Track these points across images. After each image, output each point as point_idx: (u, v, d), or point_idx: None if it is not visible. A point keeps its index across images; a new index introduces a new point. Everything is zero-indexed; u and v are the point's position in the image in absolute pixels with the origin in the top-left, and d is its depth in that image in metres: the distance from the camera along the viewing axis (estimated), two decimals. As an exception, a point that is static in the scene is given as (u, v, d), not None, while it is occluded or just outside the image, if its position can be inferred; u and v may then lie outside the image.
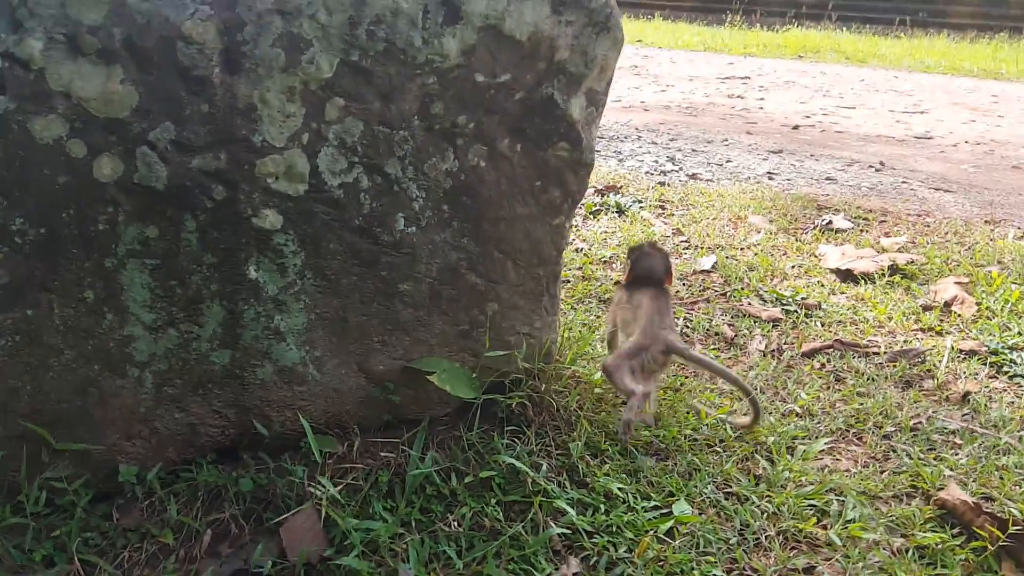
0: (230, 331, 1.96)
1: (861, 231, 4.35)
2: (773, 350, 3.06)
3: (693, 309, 3.32)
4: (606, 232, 4.21)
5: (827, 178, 5.55)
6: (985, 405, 2.66)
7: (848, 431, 2.51)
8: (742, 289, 3.56)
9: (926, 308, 3.39)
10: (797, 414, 2.59)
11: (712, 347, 3.08)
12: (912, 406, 2.68)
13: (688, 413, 2.52)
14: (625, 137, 6.66)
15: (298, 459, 2.08)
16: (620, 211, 4.61)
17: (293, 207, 1.88)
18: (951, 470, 2.30)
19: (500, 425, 2.22)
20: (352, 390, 2.13)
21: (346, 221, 1.94)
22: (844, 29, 16.65)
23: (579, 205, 2.03)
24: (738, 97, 9.24)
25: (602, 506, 2.01)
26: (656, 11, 19.60)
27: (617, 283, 2.75)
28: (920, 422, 2.57)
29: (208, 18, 1.69)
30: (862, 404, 2.65)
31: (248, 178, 1.81)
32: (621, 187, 5.00)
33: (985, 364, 2.95)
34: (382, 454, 2.08)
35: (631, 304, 2.34)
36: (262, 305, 1.95)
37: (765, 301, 3.44)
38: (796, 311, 3.24)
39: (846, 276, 3.68)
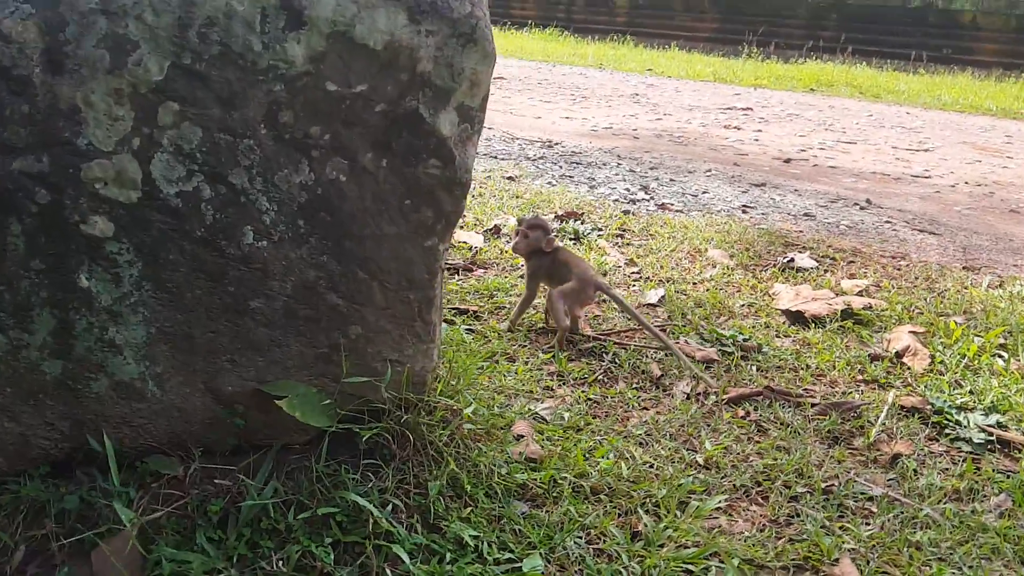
0: (62, 341, 1.89)
1: (824, 271, 4.25)
2: (699, 394, 2.95)
3: (625, 344, 3.22)
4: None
5: (805, 214, 5.46)
6: (915, 471, 2.55)
7: (754, 489, 2.40)
8: (683, 327, 3.47)
9: (874, 358, 3.29)
10: (702, 465, 2.48)
11: (634, 386, 2.98)
12: (833, 465, 2.57)
13: (579, 456, 2.42)
14: (603, 164, 6.61)
15: (133, 479, 2.00)
16: (577, 238, 4.54)
17: (126, 215, 1.81)
18: (855, 542, 2.17)
19: (359, 458, 2.12)
20: (198, 410, 2.05)
21: (187, 232, 1.87)
22: (864, 63, 16.61)
23: (454, 228, 1.95)
24: (735, 128, 9.19)
25: (448, 554, 1.91)
26: (672, 41, 19.66)
27: (537, 253, 3.29)
28: (836, 484, 2.46)
29: (28, 17, 1.64)
30: (777, 459, 2.53)
31: (74, 182, 1.75)
32: (583, 214, 4.93)
33: (926, 424, 2.83)
34: (218, 481, 1.99)
35: (556, 263, 3.24)
36: (95, 315, 1.88)
37: (705, 341, 3.33)
38: (733, 353, 3.11)
39: (796, 318, 3.58)
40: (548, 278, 3.26)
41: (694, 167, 6.91)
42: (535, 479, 2.28)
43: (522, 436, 2.51)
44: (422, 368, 2.22)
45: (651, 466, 2.48)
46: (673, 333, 3.45)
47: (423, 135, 1.99)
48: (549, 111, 9.67)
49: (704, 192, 5.97)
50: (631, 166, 6.72)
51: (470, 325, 3.34)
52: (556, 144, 7.43)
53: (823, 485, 2.45)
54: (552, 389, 2.89)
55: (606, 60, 16.03)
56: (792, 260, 4.28)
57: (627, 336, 3.39)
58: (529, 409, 2.71)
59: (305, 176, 1.93)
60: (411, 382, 2.21)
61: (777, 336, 3.48)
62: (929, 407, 2.92)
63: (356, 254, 2.04)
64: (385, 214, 2.03)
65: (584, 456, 2.47)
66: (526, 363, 3.05)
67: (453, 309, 3.42)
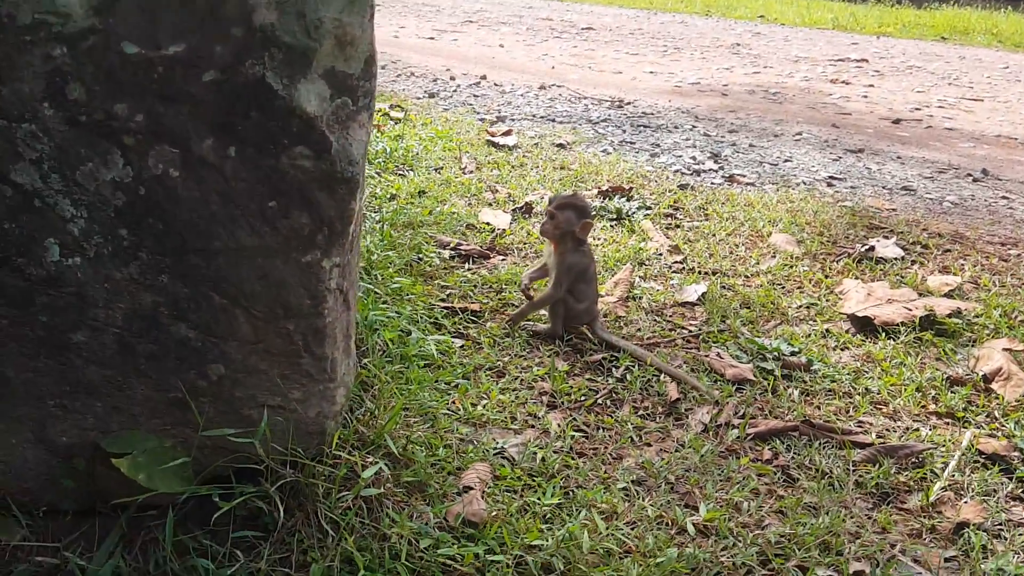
0: None
1: (911, 263, 3.52)
2: (719, 425, 2.36)
3: (646, 354, 2.69)
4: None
5: (904, 187, 4.65)
6: (985, 547, 1.88)
7: (758, 570, 1.80)
8: (719, 333, 2.87)
9: (954, 382, 2.59)
10: (697, 532, 1.90)
11: (641, 413, 2.42)
12: (874, 534, 1.93)
13: (534, 519, 1.88)
14: (675, 127, 5.92)
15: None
16: (618, 218, 3.95)
17: None
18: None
19: (232, 526, 1.65)
20: (31, 465, 1.65)
21: (-33, 247, 1.42)
22: (1008, 8, 14.84)
23: (346, 238, 1.43)
24: (843, 83, 8.24)
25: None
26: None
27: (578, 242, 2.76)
28: (871, 568, 1.82)
29: None
30: (800, 525, 1.92)
31: None
32: (633, 188, 4.32)
33: (1010, 477, 2.15)
34: (41, 558, 1.56)
35: (579, 266, 2.76)
36: None
37: (742, 353, 2.72)
38: (774, 371, 2.49)
39: (863, 325, 2.92)
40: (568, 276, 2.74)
41: (782, 129, 6.14)
42: (466, 554, 1.75)
43: (470, 488, 1.98)
44: (318, 414, 1.74)
45: (630, 530, 1.90)
46: (706, 342, 2.84)
47: (279, 114, 1.47)
48: (632, 65, 8.95)
49: (786, 160, 5.25)
50: (707, 129, 6.01)
51: (464, 328, 2.85)
52: (627, 104, 6.78)
53: (853, 569, 1.82)
54: (536, 416, 2.37)
55: (714, 6, 14.97)
56: (872, 248, 3.57)
57: (650, 345, 2.85)
58: (496, 446, 2.18)
59: (119, 171, 1.46)
60: (301, 432, 1.72)
61: (835, 348, 2.84)
62: (1017, 455, 2.23)
63: (207, 273, 1.56)
64: (241, 220, 1.54)
65: (543, 518, 1.92)
66: (516, 378, 2.56)
67: (447, 308, 2.92)
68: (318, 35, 1.44)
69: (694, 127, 6.07)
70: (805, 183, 4.79)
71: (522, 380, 2.58)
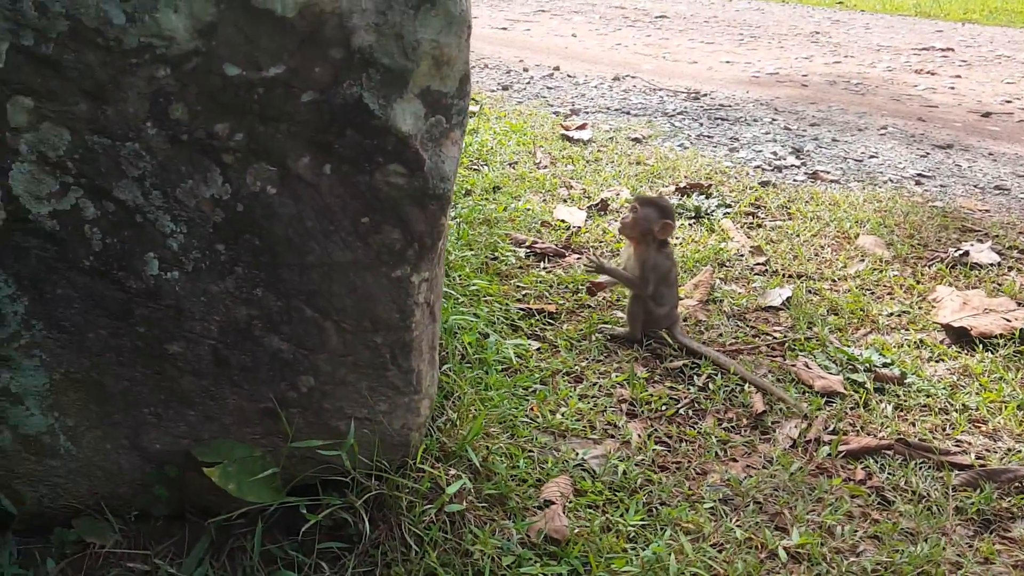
0: (-47, 388, 1.55)
1: (1008, 269, 3.37)
2: (808, 441, 2.29)
3: (729, 360, 2.65)
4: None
5: (997, 187, 4.45)
6: (1098, 581, 1.79)
7: (855, 597, 1.74)
8: (806, 341, 2.80)
9: (1059, 400, 2.46)
10: (788, 557, 1.85)
11: (726, 425, 2.37)
12: (977, 565, 1.85)
13: (619, 536, 1.86)
14: (754, 120, 5.77)
15: (52, 547, 1.65)
16: (697, 216, 3.88)
17: (-8, 240, 1.42)
18: None
19: (318, 537, 1.67)
20: (124, 470, 1.68)
21: (72, 260, 1.47)
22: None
23: (435, 253, 1.43)
24: (928, 73, 7.92)
25: None
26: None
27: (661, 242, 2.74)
28: (976, 597, 1.75)
29: None
30: (899, 552, 1.85)
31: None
32: (712, 185, 4.23)
33: (1126, 505, 2.03)
34: (132, 565, 1.59)
35: (668, 259, 2.74)
36: (-19, 360, 1.51)
37: (831, 363, 2.65)
38: (865, 384, 2.42)
39: (959, 336, 2.79)
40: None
41: (866, 123, 5.92)
42: (548, 573, 1.73)
43: (551, 503, 1.96)
44: (403, 426, 1.73)
45: (718, 554, 1.86)
46: (792, 350, 2.76)
47: (375, 133, 1.47)
48: (708, 54, 8.76)
49: (872, 156, 5.07)
50: (788, 122, 5.84)
51: (540, 330, 2.83)
52: (704, 95, 6.63)
53: (957, 603, 1.74)
54: (616, 425, 2.33)
55: (788, -7, 14.52)
56: (966, 253, 3.41)
57: (732, 352, 2.77)
58: (576, 457, 2.16)
59: (218, 188, 1.46)
60: (387, 444, 1.73)
61: (930, 360, 2.73)
62: None
63: (299, 287, 1.57)
64: (335, 236, 1.54)
65: (627, 536, 1.89)
66: (594, 384, 2.53)
67: (523, 309, 2.91)
68: (415, 56, 1.43)
69: (774, 120, 5.90)
70: (892, 181, 4.62)
71: (600, 387, 2.55)
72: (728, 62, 8.39)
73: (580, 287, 3.14)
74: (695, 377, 2.62)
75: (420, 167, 1.48)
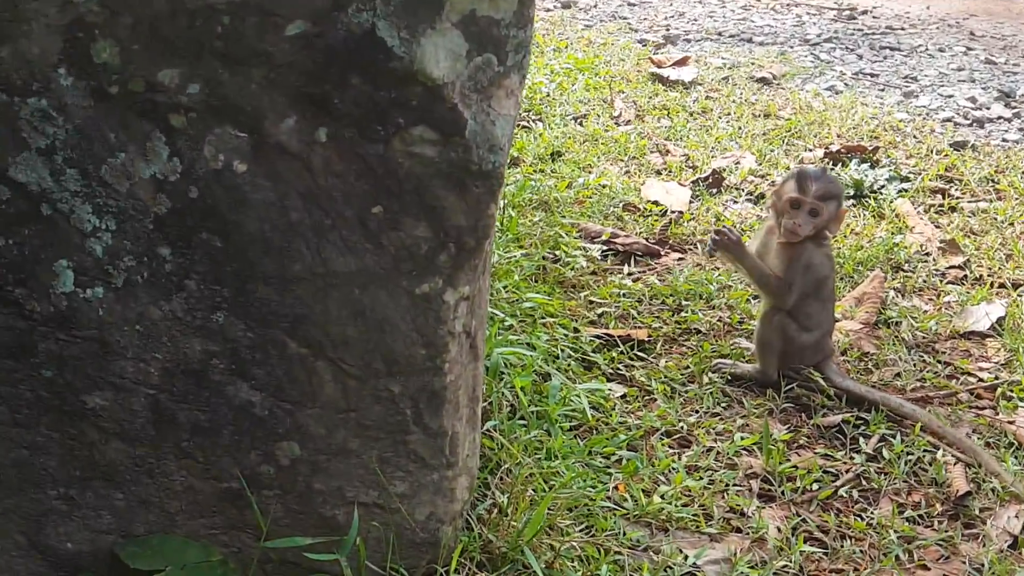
0: None
1: None
2: (1035, 540, 2.26)
3: (904, 422, 2.64)
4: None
5: None
6: None
7: None
8: None
9: None
10: None
11: (914, 511, 2.35)
12: None
13: None
14: (939, 49, 5.74)
15: None
16: (859, 194, 3.89)
17: None
18: None
19: None
20: (21, 580, 1.69)
21: (-58, 273, 1.48)
22: None
23: (479, 257, 1.44)
24: None
25: None
26: None
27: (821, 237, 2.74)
28: None
29: None
30: None
31: None
32: (879, 149, 4.20)
33: None
34: None
35: (829, 259, 2.80)
36: None
37: None
38: None
39: None
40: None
41: None
42: None
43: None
44: (431, 516, 1.76)
45: None
46: (1008, 397, 2.75)
47: (393, 80, 1.49)
48: None
49: None
50: (990, 51, 5.79)
51: (623, 367, 2.82)
52: (864, 12, 6.61)
53: None
54: (744, 513, 2.30)
55: None
56: None
57: (916, 401, 2.73)
58: (684, 561, 2.14)
59: (162, 165, 1.50)
60: (407, 543, 1.74)
61: None
62: None
63: (279, 310, 1.60)
64: (332, 234, 1.58)
65: None
66: (708, 451, 2.51)
67: (600, 337, 2.92)
68: (454, -36, 1.43)
69: (969, 49, 5.85)
70: None
71: (719, 454, 2.52)
72: None
73: (684, 301, 3.13)
74: (862, 440, 2.58)
75: (459, 130, 1.50)
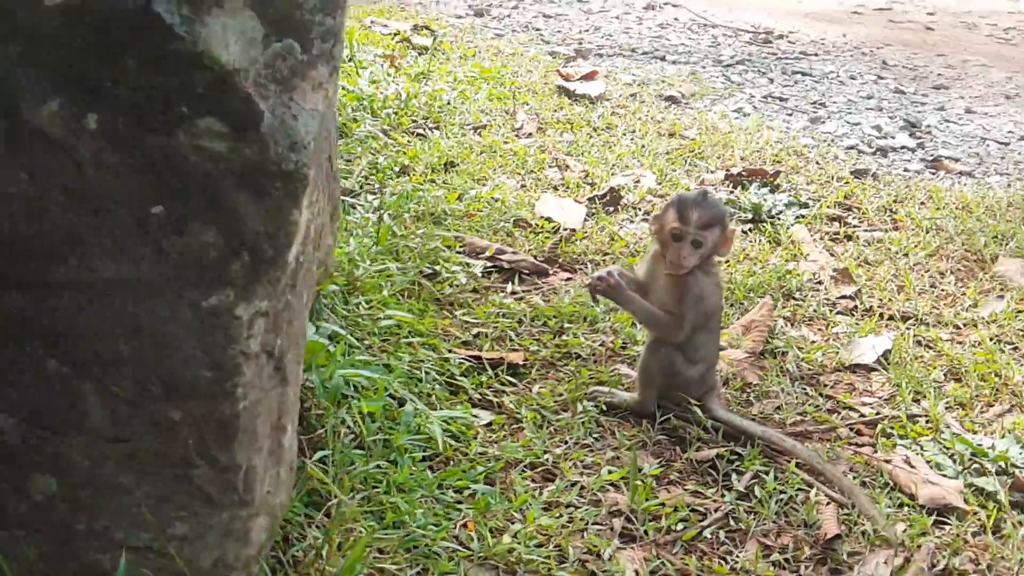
0: None
1: None
2: (907, 586, 2.14)
3: (779, 456, 2.54)
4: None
5: None
6: None
7: None
8: (912, 421, 2.69)
9: None
10: None
11: (782, 554, 2.21)
12: None
13: None
14: (850, 76, 5.76)
15: None
16: (756, 218, 3.82)
17: None
18: None
19: None
20: None
21: None
22: None
23: (281, 268, 1.24)
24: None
25: None
26: None
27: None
28: None
29: None
30: None
31: None
32: (781, 173, 4.16)
33: None
34: None
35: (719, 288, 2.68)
36: None
37: (947, 458, 2.54)
38: (997, 496, 2.41)
39: None
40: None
41: (1019, 86, 5.95)
42: None
43: None
44: (218, 562, 1.57)
45: None
46: (888, 435, 2.65)
47: (176, 63, 1.35)
48: None
49: None
50: (900, 81, 5.81)
51: (494, 393, 2.67)
52: (780, 36, 6.62)
53: None
54: (600, 555, 2.15)
55: None
56: None
57: (795, 435, 2.61)
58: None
59: None
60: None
61: None
62: None
63: (35, 321, 1.41)
64: (103, 236, 1.38)
65: None
66: (573, 485, 2.36)
67: (471, 359, 2.75)
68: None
69: (880, 78, 5.87)
70: None
71: (584, 489, 2.37)
72: None
73: (567, 323, 2.99)
74: (734, 476, 2.45)
75: (254, 124, 1.37)
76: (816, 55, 6.06)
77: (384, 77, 4.86)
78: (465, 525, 2.18)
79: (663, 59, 5.82)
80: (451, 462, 2.36)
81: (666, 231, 2.53)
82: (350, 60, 4.95)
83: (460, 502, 2.24)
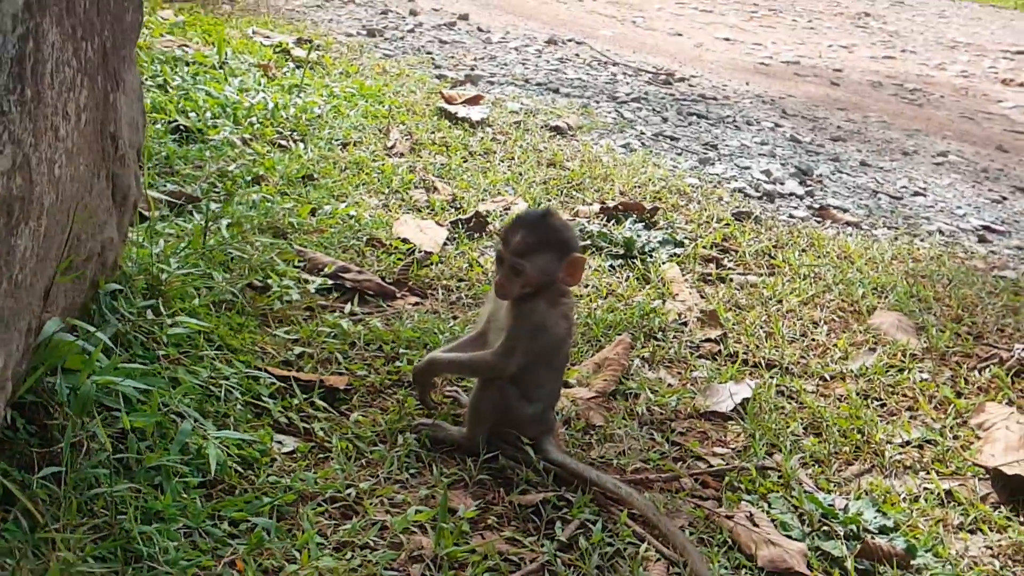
0: None
1: (1107, 387, 3.15)
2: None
3: (611, 503, 2.36)
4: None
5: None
6: None
7: None
8: (762, 474, 2.55)
9: None
10: None
11: None
12: None
13: None
14: (748, 122, 5.72)
15: None
16: (627, 253, 3.71)
17: None
18: None
19: None
20: None
21: None
22: None
23: None
24: (1020, 85, 8.00)
25: None
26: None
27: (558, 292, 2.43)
28: None
29: None
30: None
31: None
32: (659, 211, 4.05)
33: None
34: None
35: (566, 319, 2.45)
36: None
37: (794, 518, 2.41)
38: (843, 561, 2.29)
39: (1015, 491, 2.61)
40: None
41: (918, 145, 5.96)
42: None
43: None
44: None
45: None
46: (735, 488, 2.51)
47: None
48: (700, 27, 8.96)
49: (917, 192, 5.10)
50: (798, 130, 5.79)
51: (306, 418, 2.47)
52: (682, 79, 6.60)
53: None
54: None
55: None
56: (1034, 354, 3.26)
57: (634, 483, 2.43)
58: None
59: None
60: None
61: (960, 529, 2.55)
62: None
63: None
64: None
65: None
66: (374, 524, 2.15)
67: (285, 379, 2.55)
68: None
69: (777, 126, 5.83)
70: (943, 232, 4.53)
71: (385, 529, 2.16)
72: (728, 40, 8.52)
73: (403, 350, 2.81)
74: (559, 524, 2.26)
75: None
76: (715, 99, 6.00)
77: (255, 86, 4.68)
78: (233, 563, 1.94)
79: (556, 91, 5.72)
80: (236, 491, 2.13)
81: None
82: (221, 67, 4.75)
83: (235, 536, 2.05)
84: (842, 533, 2.37)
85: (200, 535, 1.99)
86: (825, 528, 2.39)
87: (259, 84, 4.73)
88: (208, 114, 4.21)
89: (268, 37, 5.77)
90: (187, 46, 5.16)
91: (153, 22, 5.54)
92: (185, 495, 2.05)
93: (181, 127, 4.05)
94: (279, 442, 2.35)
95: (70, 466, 1.91)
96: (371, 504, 2.22)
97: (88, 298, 2.18)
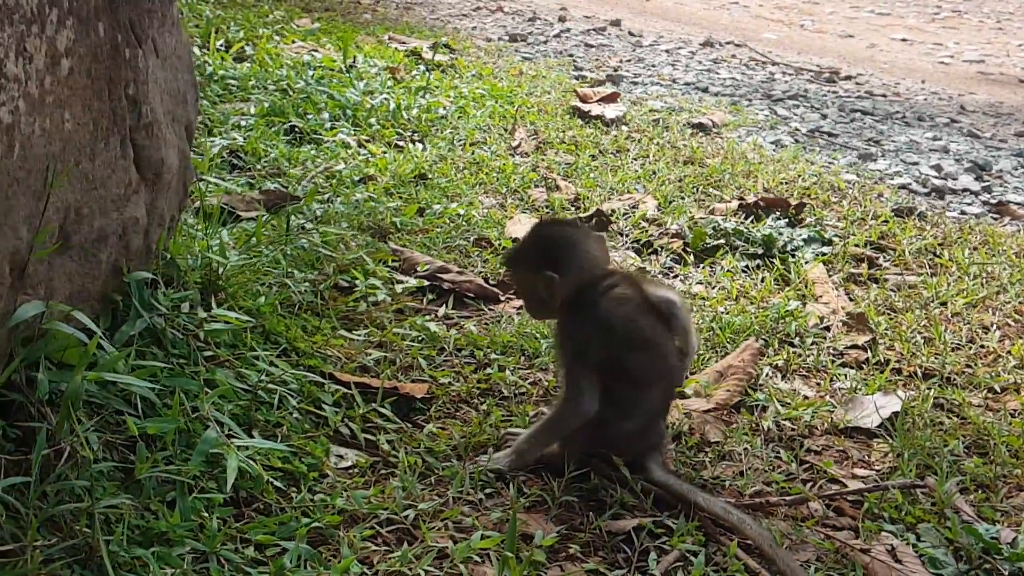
0: None
1: None
2: None
3: (729, 533, 2.10)
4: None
5: None
6: None
7: None
8: (909, 500, 2.24)
9: None
10: None
11: None
12: None
13: None
14: (919, 118, 5.39)
15: None
16: (766, 252, 3.44)
17: None
18: None
19: None
20: None
21: None
22: None
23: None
24: None
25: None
26: None
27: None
28: None
29: None
30: None
31: None
32: (806, 207, 3.87)
33: None
34: None
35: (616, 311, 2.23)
36: None
37: (946, 553, 2.10)
38: None
39: None
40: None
41: None
42: None
43: None
44: None
45: None
46: (876, 517, 2.22)
47: None
48: (874, 29, 8.62)
49: None
50: (977, 126, 5.41)
51: (374, 430, 2.29)
52: (847, 77, 6.27)
53: None
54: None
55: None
56: None
57: (752, 508, 2.19)
58: None
59: None
60: None
61: None
62: None
63: None
64: None
65: None
66: (429, 552, 1.93)
67: (359, 385, 2.39)
68: None
69: (953, 121, 5.49)
70: None
71: (444, 557, 1.93)
72: (905, 40, 8.20)
73: (497, 355, 2.62)
74: (654, 553, 2.01)
75: None
76: (883, 96, 5.66)
77: (380, 88, 4.55)
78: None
79: (705, 90, 5.51)
80: (272, 511, 1.96)
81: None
82: (348, 71, 4.64)
83: (259, 563, 1.84)
84: (1007, 572, 2.08)
85: (216, 561, 1.77)
86: (986, 566, 2.10)
87: (385, 87, 4.66)
88: (326, 115, 4.16)
89: (403, 43, 5.76)
90: (317, 51, 5.08)
91: (288, 30, 5.51)
92: (205, 513, 1.84)
93: (296, 128, 3.94)
94: (339, 456, 2.18)
95: (47, 475, 1.67)
96: (432, 528, 2.01)
97: (109, 287, 1.96)
